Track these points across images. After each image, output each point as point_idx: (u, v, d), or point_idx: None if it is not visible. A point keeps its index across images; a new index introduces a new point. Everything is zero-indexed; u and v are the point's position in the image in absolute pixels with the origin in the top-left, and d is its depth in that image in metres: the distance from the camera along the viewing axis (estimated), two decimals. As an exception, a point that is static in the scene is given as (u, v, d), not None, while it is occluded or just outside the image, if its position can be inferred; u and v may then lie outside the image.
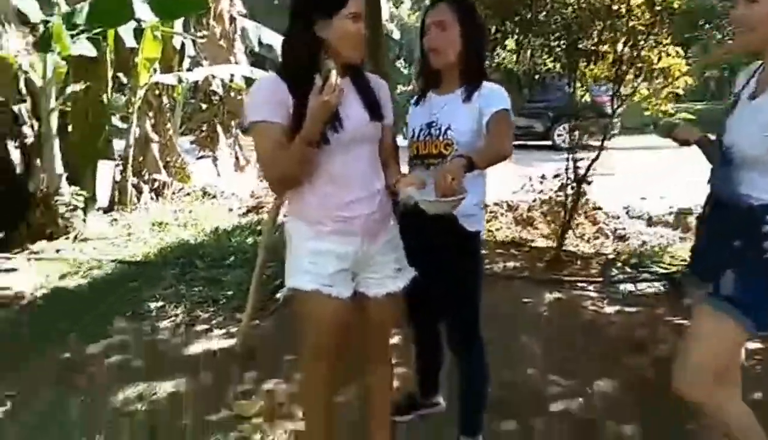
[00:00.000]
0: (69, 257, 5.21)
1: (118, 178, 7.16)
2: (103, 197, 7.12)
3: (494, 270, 4.60)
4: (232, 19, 8.37)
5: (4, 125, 5.73)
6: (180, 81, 7.60)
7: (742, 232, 1.69)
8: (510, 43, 5.07)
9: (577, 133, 5.04)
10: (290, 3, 1.84)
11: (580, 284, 4.35)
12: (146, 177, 7.54)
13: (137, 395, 2.90)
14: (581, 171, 4.79)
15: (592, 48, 4.61)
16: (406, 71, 22.43)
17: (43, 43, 5.50)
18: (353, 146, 1.84)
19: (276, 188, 2.18)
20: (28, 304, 4.22)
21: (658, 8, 4.31)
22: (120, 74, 7.52)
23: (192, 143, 9.13)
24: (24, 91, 5.80)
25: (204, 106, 9.00)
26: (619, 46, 4.51)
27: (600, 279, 4.43)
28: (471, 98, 2.09)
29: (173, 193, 7.70)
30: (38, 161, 5.82)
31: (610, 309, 3.90)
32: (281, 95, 1.77)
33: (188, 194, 7.84)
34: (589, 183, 4.86)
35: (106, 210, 7.01)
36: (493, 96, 2.07)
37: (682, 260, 4.63)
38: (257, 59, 10.50)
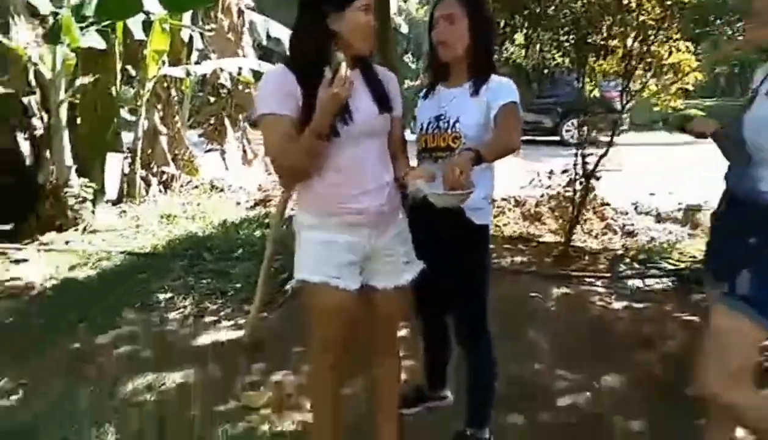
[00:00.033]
0: (78, 249, 5.25)
1: (126, 170, 7.20)
2: (111, 189, 7.16)
3: (502, 265, 4.60)
4: (240, 13, 8.36)
5: (14, 117, 5.77)
6: (188, 74, 7.61)
7: (759, 229, 1.67)
8: (519, 37, 5.05)
9: (585, 128, 5.02)
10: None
11: (587, 280, 4.34)
12: (155, 170, 7.58)
13: (146, 385, 2.92)
14: (590, 167, 4.77)
15: (602, 43, 4.58)
16: (414, 66, 22.36)
17: (52, 35, 5.53)
18: (363, 138, 1.84)
19: (285, 181, 2.18)
20: (38, 295, 4.26)
21: (669, 3, 4.27)
22: (129, 67, 7.56)
23: (200, 136, 9.15)
24: (33, 83, 5.83)
25: (212, 99, 9.01)
26: (629, 41, 4.48)
27: (608, 275, 4.42)
28: (479, 92, 2.09)
29: (181, 186, 7.74)
30: (48, 152, 5.86)
31: (618, 305, 3.89)
32: (289, 87, 1.78)
33: (196, 187, 7.88)
34: (597, 179, 4.84)
35: (115, 202, 7.05)
36: (502, 89, 2.07)
37: (690, 257, 4.61)
38: (265, 52, 10.50)
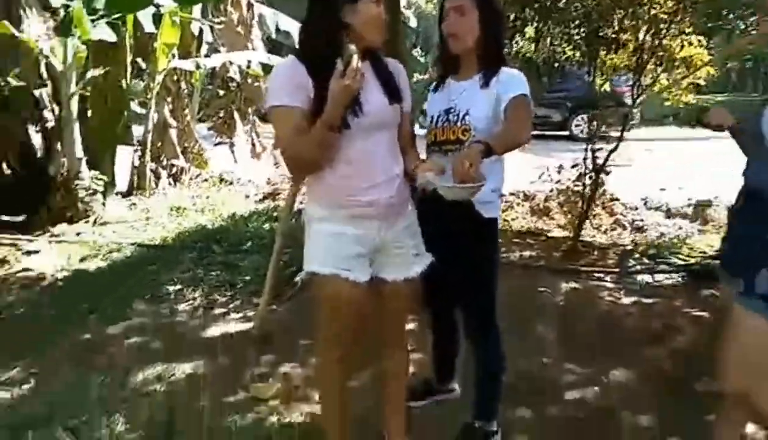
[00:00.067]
0: (89, 240, 5.28)
1: (136, 163, 7.24)
2: (122, 181, 7.21)
3: (510, 259, 4.59)
4: (250, 6, 8.35)
5: (26, 110, 5.81)
6: (198, 67, 7.62)
7: None
8: (529, 30, 5.02)
9: (595, 123, 4.99)
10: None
11: (596, 275, 4.33)
12: (164, 162, 7.61)
13: (156, 376, 2.94)
14: (599, 161, 4.74)
15: (613, 36, 4.55)
16: (422, 60, 22.28)
17: (63, 28, 5.55)
18: (373, 130, 1.84)
19: (295, 173, 2.19)
20: (49, 286, 4.29)
21: (681, -4, 4.24)
22: (139, 59, 7.58)
23: (209, 129, 9.17)
24: (45, 75, 5.87)
25: (221, 92, 9.02)
26: (641, 35, 4.45)
27: (617, 270, 4.40)
28: (489, 84, 2.08)
29: (191, 178, 7.76)
30: (59, 145, 5.89)
31: (627, 300, 3.88)
32: (299, 79, 1.78)
33: (205, 180, 7.91)
34: (607, 174, 4.82)
35: (125, 194, 7.10)
36: (512, 82, 2.05)
37: (700, 252, 4.59)
38: (274, 46, 10.49)
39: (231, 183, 7.97)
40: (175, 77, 7.82)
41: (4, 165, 5.86)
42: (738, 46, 5.88)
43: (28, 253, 4.98)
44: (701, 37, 4.53)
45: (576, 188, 5.12)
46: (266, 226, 5.50)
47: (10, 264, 4.70)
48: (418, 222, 2.06)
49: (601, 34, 4.58)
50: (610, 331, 3.41)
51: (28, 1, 5.56)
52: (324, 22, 1.79)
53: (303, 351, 3.11)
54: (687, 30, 4.44)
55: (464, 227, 2.10)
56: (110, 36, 5.66)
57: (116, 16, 5.60)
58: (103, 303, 3.84)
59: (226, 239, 5.11)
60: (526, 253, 4.83)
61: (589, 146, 4.80)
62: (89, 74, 5.98)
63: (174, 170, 7.67)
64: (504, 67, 2.10)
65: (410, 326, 2.97)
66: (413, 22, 22.96)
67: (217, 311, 3.79)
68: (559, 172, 5.63)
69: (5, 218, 5.89)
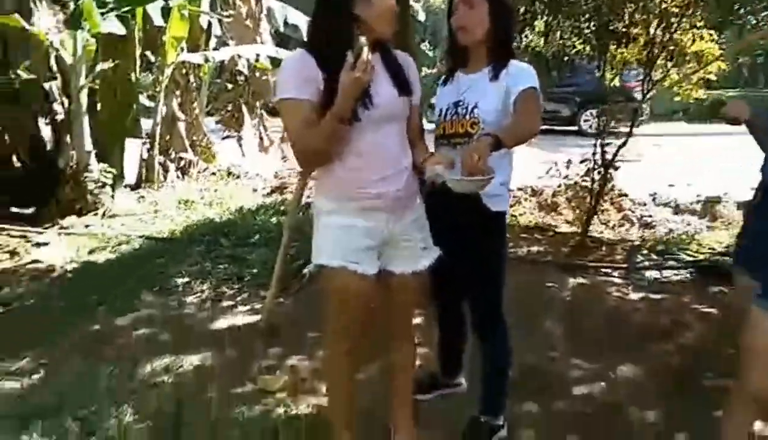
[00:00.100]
0: (98, 233, 5.31)
1: (145, 156, 7.27)
2: (130, 174, 7.24)
3: (518, 254, 4.58)
4: (258, -1, 8.36)
5: (36, 102, 5.83)
6: (206, 60, 7.64)
7: None
8: (539, 24, 4.99)
9: (604, 118, 4.96)
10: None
11: (604, 270, 4.31)
12: (173, 156, 7.64)
13: (164, 367, 2.96)
14: (608, 157, 4.72)
15: (623, 30, 4.51)
16: (431, 54, 22.22)
17: (73, 21, 5.57)
18: (383, 122, 1.84)
19: (305, 166, 2.18)
20: (58, 277, 4.32)
21: (693, -10, 4.21)
22: (148, 53, 7.61)
23: (217, 122, 9.19)
24: (54, 68, 5.88)
25: (229, 86, 9.05)
26: (651, 29, 4.41)
27: (625, 266, 4.38)
28: (499, 77, 2.07)
29: (199, 172, 7.79)
30: (68, 137, 5.92)
31: (635, 296, 3.86)
32: (309, 72, 1.77)
33: (213, 173, 7.92)
34: (615, 169, 4.79)
35: (134, 187, 7.13)
36: (522, 75, 2.05)
37: (709, 249, 4.56)
38: (282, 39, 10.49)
39: (239, 177, 7.99)
40: (184, 71, 7.83)
41: (14, 158, 5.89)
42: (749, 40, 5.82)
43: (38, 245, 5.01)
44: (712, 32, 4.49)
45: (584, 184, 5.09)
46: (274, 219, 5.51)
47: (20, 256, 4.74)
48: (426, 215, 2.06)
49: (611, 28, 4.54)
50: (618, 327, 3.40)
51: (39, -7, 5.58)
52: (335, 14, 1.78)
53: (310, 344, 3.12)
54: (698, 24, 4.40)
55: (472, 221, 2.10)
56: (119, 29, 5.67)
57: (125, 9, 5.62)
58: (112, 295, 3.86)
59: (234, 232, 5.12)
60: (534, 248, 4.82)
61: (598, 141, 4.78)
62: (99, 67, 6.00)
63: (182, 163, 7.70)
64: (513, 60, 2.10)
65: (417, 320, 2.97)
66: (422, 17, 22.88)
67: (225, 303, 3.80)
68: (567, 167, 5.60)
69: (15, 210, 5.93)
